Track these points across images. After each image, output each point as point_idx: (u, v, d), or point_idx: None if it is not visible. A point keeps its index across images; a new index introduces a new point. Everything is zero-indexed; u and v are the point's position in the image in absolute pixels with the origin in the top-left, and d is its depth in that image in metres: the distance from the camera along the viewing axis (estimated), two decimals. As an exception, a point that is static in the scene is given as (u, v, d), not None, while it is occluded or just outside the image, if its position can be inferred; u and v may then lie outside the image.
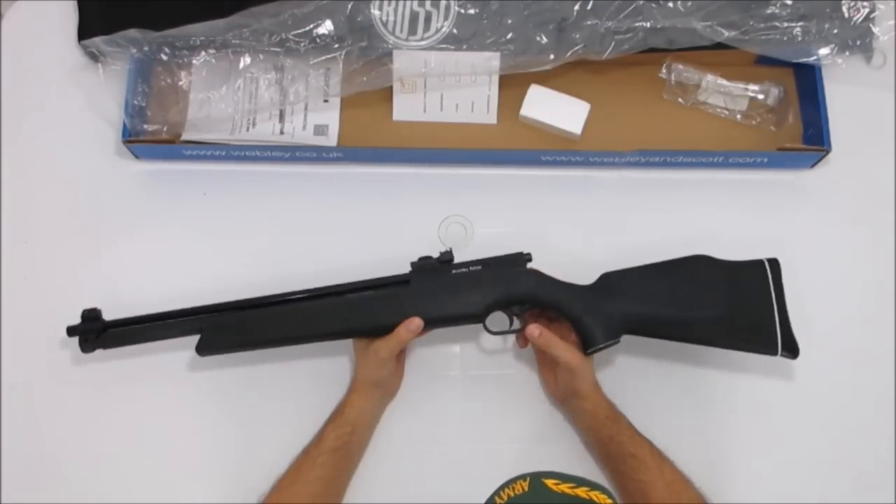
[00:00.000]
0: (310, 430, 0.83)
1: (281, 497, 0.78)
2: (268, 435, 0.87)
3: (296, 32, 0.91)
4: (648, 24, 0.90)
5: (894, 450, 0.88)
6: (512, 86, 0.96)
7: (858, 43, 0.94)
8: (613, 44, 0.91)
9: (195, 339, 0.81)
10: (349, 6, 0.91)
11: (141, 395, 0.89)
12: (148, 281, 0.93)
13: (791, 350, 0.81)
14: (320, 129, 0.96)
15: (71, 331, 0.81)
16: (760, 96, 0.98)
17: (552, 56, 0.91)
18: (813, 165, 0.98)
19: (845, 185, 0.98)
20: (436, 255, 0.84)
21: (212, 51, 0.94)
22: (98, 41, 0.93)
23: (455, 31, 0.91)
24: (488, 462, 0.84)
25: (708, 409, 0.89)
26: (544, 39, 0.91)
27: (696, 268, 0.83)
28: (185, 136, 0.94)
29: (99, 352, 0.82)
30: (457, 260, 0.83)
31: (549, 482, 0.60)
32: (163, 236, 0.95)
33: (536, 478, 0.60)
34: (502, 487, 0.61)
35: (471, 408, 0.89)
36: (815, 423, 0.89)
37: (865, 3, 0.94)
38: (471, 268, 0.83)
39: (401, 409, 0.89)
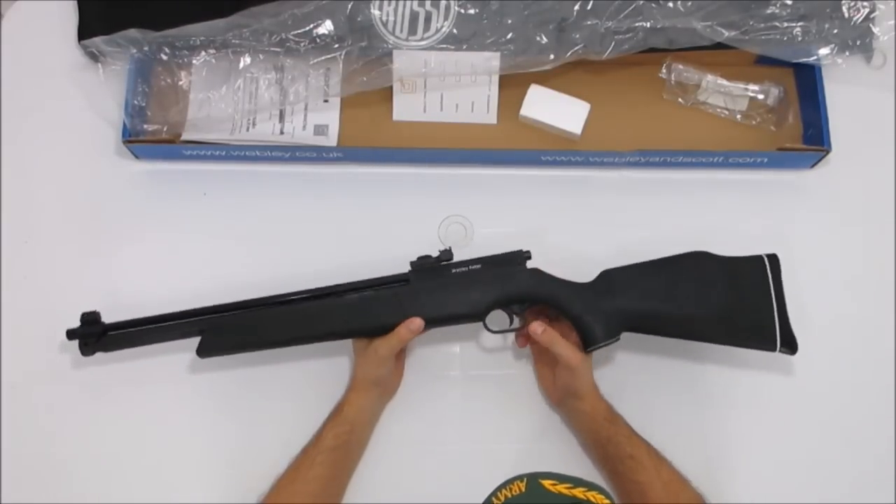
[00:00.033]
0: (309, 430, 0.83)
1: (280, 497, 0.78)
2: (267, 435, 0.87)
3: (296, 32, 0.91)
4: (648, 24, 0.90)
5: (894, 449, 0.88)
6: (512, 86, 0.96)
7: (858, 43, 0.94)
8: (613, 44, 0.91)
9: (195, 340, 0.81)
10: (349, 6, 0.91)
11: (141, 394, 0.89)
12: (148, 280, 0.93)
13: (790, 346, 0.81)
14: (320, 129, 0.96)
15: (70, 334, 0.81)
16: (760, 96, 0.98)
17: (552, 56, 0.91)
18: (813, 165, 0.98)
19: (845, 185, 0.98)
20: (435, 254, 0.84)
21: (212, 51, 0.94)
22: (98, 41, 0.93)
23: (455, 31, 0.91)
24: (488, 462, 0.84)
25: (707, 406, 0.89)
26: (544, 39, 0.91)
27: (696, 264, 0.83)
28: (185, 136, 0.94)
29: (99, 353, 0.82)
30: (456, 259, 0.83)
31: (546, 483, 0.60)
32: (163, 236, 0.95)
33: (533, 478, 0.60)
34: (499, 488, 0.61)
35: (471, 408, 0.89)
36: (815, 422, 0.89)
37: (865, 3, 0.94)
38: (470, 267, 0.83)
39: (401, 409, 0.89)
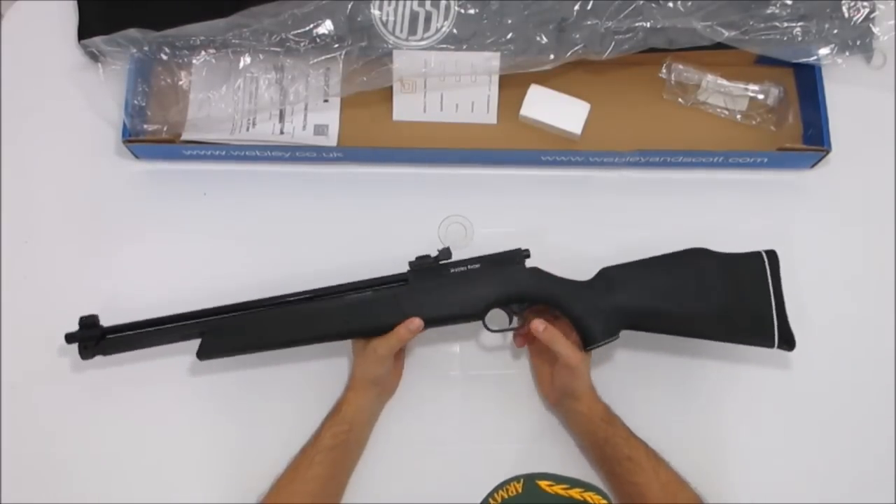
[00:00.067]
0: (309, 431, 0.83)
1: (279, 497, 0.78)
2: (267, 435, 0.87)
3: (296, 32, 0.91)
4: (648, 24, 0.90)
5: (894, 449, 0.88)
6: (512, 86, 0.96)
7: (858, 43, 0.94)
8: (613, 44, 0.91)
9: (195, 340, 0.81)
10: (349, 6, 0.91)
11: (141, 394, 0.89)
12: (148, 280, 0.93)
13: (788, 342, 0.81)
14: (320, 129, 0.96)
15: (69, 338, 0.81)
16: (760, 96, 0.98)
17: (552, 56, 0.91)
18: (813, 165, 0.98)
19: (845, 185, 0.98)
20: (434, 254, 0.83)
21: (212, 51, 0.94)
22: (98, 41, 0.93)
23: (455, 31, 0.91)
24: (487, 462, 0.84)
25: (705, 404, 0.90)
26: (544, 39, 0.91)
27: (694, 261, 0.83)
28: (185, 136, 0.94)
29: (99, 356, 0.82)
30: (455, 258, 0.83)
31: (543, 483, 0.60)
32: (163, 236, 0.95)
33: (530, 479, 0.60)
34: (496, 489, 0.61)
35: (470, 407, 0.89)
36: (815, 422, 0.89)
37: (865, 3, 0.94)
38: (469, 266, 0.83)
39: (400, 409, 0.89)
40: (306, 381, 0.89)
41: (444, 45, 0.91)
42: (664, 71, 0.98)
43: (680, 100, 0.99)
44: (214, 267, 0.93)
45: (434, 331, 0.83)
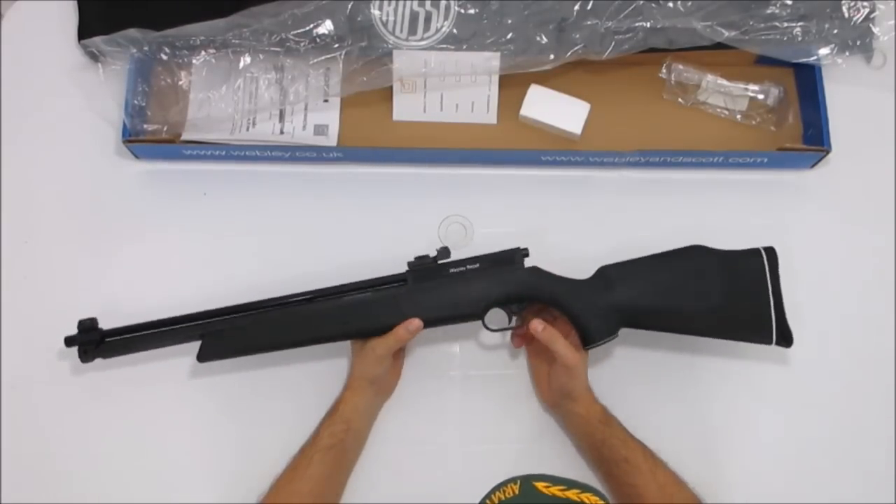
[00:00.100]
0: (309, 431, 0.82)
1: (279, 497, 0.78)
2: (267, 436, 0.87)
3: (296, 32, 0.91)
4: (648, 24, 0.90)
5: (894, 449, 0.88)
6: (512, 86, 0.96)
7: (858, 43, 0.94)
8: (613, 44, 0.91)
9: (195, 342, 0.81)
10: (349, 6, 0.91)
11: (141, 394, 0.89)
12: (148, 280, 0.93)
13: (786, 339, 0.81)
14: (320, 129, 0.96)
15: (69, 341, 0.81)
16: (760, 96, 0.98)
17: (552, 56, 0.91)
18: (813, 165, 0.98)
19: (845, 185, 0.98)
20: (433, 254, 0.83)
21: (212, 51, 0.94)
22: (98, 41, 0.93)
23: (455, 31, 0.91)
24: (487, 462, 0.84)
25: (703, 401, 0.90)
26: (544, 39, 0.91)
27: (693, 258, 0.83)
28: (185, 136, 0.94)
29: (98, 359, 0.82)
30: (454, 257, 0.83)
31: (540, 485, 0.60)
32: (163, 236, 0.95)
33: (527, 481, 0.60)
34: (493, 490, 0.61)
35: (470, 408, 0.89)
36: (815, 422, 0.89)
37: (865, 3, 0.94)
38: (468, 266, 0.83)
39: (400, 409, 0.89)
40: (306, 382, 0.89)
41: (444, 45, 0.91)
42: (664, 71, 0.98)
43: (680, 100, 0.99)
44: (214, 267, 0.93)
45: (434, 330, 0.83)
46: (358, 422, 0.84)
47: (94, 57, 0.97)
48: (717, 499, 0.81)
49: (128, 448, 0.88)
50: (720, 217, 0.96)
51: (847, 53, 0.94)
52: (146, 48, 0.93)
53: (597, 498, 0.59)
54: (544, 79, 0.96)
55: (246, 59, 0.94)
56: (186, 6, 0.93)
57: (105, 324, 0.82)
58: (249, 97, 0.95)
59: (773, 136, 0.98)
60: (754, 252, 0.83)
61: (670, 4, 0.91)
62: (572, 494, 0.59)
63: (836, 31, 0.93)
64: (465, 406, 0.89)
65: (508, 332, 0.88)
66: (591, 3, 0.91)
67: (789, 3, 0.92)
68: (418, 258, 0.83)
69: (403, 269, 0.84)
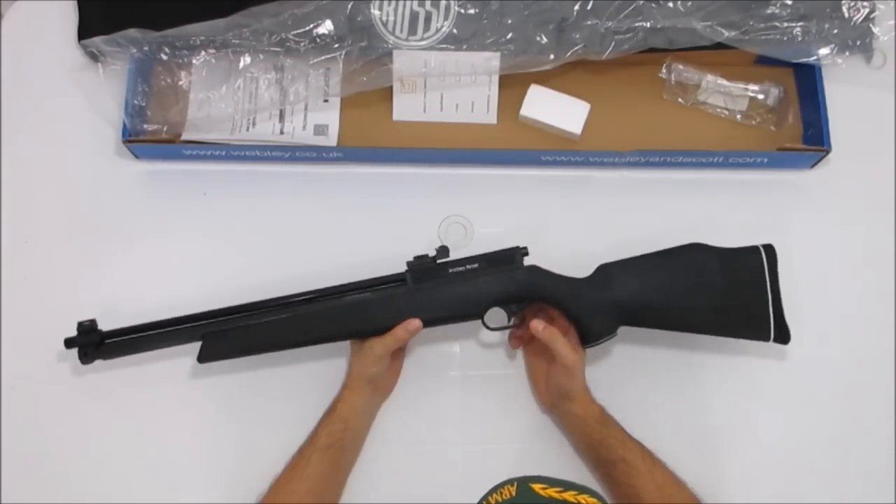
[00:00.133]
0: (308, 431, 0.82)
1: (278, 497, 0.78)
2: (267, 436, 0.87)
3: (296, 32, 0.91)
4: (648, 24, 0.90)
5: (894, 449, 0.88)
6: (512, 86, 0.96)
7: (858, 43, 0.94)
8: (613, 44, 0.91)
9: (196, 343, 0.81)
10: (349, 6, 0.91)
11: (141, 395, 0.89)
12: (148, 280, 0.93)
13: (783, 336, 0.81)
14: (320, 129, 0.96)
15: (69, 343, 0.81)
16: (760, 96, 0.98)
17: (552, 56, 0.91)
18: (813, 165, 0.98)
19: (845, 185, 0.98)
20: (432, 253, 0.83)
21: (212, 51, 0.94)
22: (98, 41, 0.93)
23: (455, 31, 0.91)
24: (487, 462, 0.84)
25: (702, 399, 0.90)
26: (544, 39, 0.91)
27: (692, 256, 0.83)
28: (185, 136, 0.94)
29: (99, 360, 0.82)
30: (453, 257, 0.83)
31: (537, 487, 0.60)
32: (163, 236, 0.95)
33: (524, 482, 0.60)
34: (490, 492, 0.61)
35: (470, 408, 0.89)
36: (814, 421, 0.89)
37: (865, 3, 0.94)
38: (467, 266, 0.82)
39: (400, 409, 0.89)
40: (306, 382, 0.89)
41: (444, 45, 0.91)
42: (664, 71, 0.98)
43: (680, 100, 0.99)
44: (214, 267, 0.93)
45: (434, 330, 0.83)
46: (356, 421, 0.84)
47: (94, 57, 0.97)
48: (715, 499, 0.81)
49: (128, 448, 0.88)
50: (720, 217, 0.96)
51: (847, 53, 0.94)
52: (146, 48, 0.93)
53: (594, 500, 0.58)
54: (544, 79, 0.96)
55: (246, 59, 0.94)
56: (186, 6, 0.93)
57: (105, 324, 0.82)
58: (249, 97, 0.95)
59: (773, 136, 0.98)
60: (753, 249, 0.83)
61: (670, 4, 0.91)
62: (569, 496, 0.59)
63: (836, 31, 0.93)
64: (464, 406, 0.89)
65: (507, 333, 0.88)
66: (591, 3, 0.91)
67: (789, 3, 0.92)
68: (417, 258, 0.83)
69: (403, 269, 0.84)
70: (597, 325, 0.81)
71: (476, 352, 0.91)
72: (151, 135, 0.94)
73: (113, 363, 0.83)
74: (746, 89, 0.98)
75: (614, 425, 0.82)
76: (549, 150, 0.96)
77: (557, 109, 0.96)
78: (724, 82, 0.98)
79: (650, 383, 0.90)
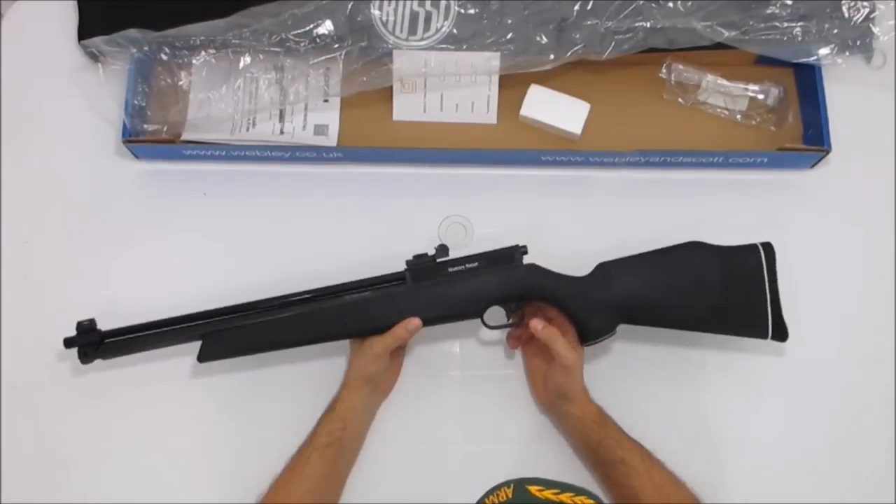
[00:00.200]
0: (308, 431, 0.82)
1: (278, 496, 0.78)
2: (267, 435, 0.87)
3: (296, 32, 0.91)
4: (648, 24, 0.90)
5: (894, 448, 0.88)
6: (512, 86, 0.96)
7: (858, 43, 0.94)
8: (613, 44, 0.91)
9: (195, 342, 0.81)
10: (349, 6, 0.91)
11: (141, 395, 0.89)
12: (148, 280, 0.93)
13: (781, 333, 0.81)
14: (320, 129, 0.96)
15: (68, 343, 0.81)
16: (760, 96, 0.98)
17: (552, 56, 0.91)
18: (813, 165, 0.98)
19: (845, 185, 0.98)
20: (432, 252, 0.83)
21: (212, 51, 0.94)
22: (98, 41, 0.93)
23: (455, 31, 0.91)
24: (486, 462, 0.84)
25: (701, 397, 0.90)
26: (544, 39, 0.91)
27: (691, 254, 0.83)
28: (185, 136, 0.94)
29: (98, 360, 0.82)
30: (452, 256, 0.83)
31: (533, 489, 0.59)
32: (163, 236, 0.95)
33: (520, 484, 0.60)
34: (487, 494, 0.61)
35: (470, 407, 0.89)
36: (814, 421, 0.89)
37: (865, 3, 0.94)
38: (467, 264, 0.82)
39: (400, 409, 0.89)
40: (306, 381, 0.89)
41: (444, 45, 0.91)
42: (664, 71, 0.98)
43: (680, 100, 0.99)
44: (214, 266, 0.93)
45: (434, 330, 0.83)
46: (355, 420, 0.83)
47: (94, 57, 0.97)
48: (715, 498, 0.81)
49: (128, 448, 0.88)
50: (720, 217, 0.96)
51: (847, 53, 0.94)
52: (146, 48, 0.93)
53: (591, 501, 0.58)
54: (544, 79, 0.96)
55: (246, 59, 0.94)
56: (186, 6, 0.93)
57: (105, 324, 0.82)
58: (249, 97, 0.95)
59: (773, 136, 0.98)
60: (752, 247, 0.83)
61: (670, 4, 0.91)
62: (566, 498, 0.59)
63: (836, 31, 0.93)
64: (464, 406, 0.89)
65: (506, 333, 0.88)
66: (591, 3, 0.91)
67: (789, 3, 0.92)
68: (417, 257, 0.83)
69: (403, 268, 0.83)
70: (596, 324, 0.81)
71: (476, 351, 0.91)
72: (151, 135, 0.94)
73: (113, 363, 0.83)
74: (746, 89, 0.98)
75: (612, 425, 0.82)
76: (549, 150, 0.96)
77: (557, 109, 0.96)
78: (724, 82, 0.98)
79: (649, 381, 0.90)
